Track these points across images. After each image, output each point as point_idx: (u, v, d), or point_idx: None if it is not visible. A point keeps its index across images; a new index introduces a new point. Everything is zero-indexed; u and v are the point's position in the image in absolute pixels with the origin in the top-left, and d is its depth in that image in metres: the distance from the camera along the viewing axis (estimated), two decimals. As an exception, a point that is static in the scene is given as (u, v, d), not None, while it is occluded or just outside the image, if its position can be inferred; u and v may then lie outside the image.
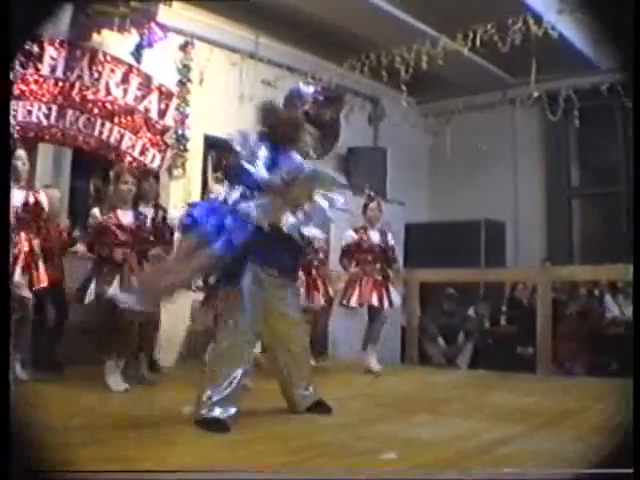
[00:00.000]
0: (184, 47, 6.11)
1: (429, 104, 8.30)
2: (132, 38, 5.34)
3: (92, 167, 5.52)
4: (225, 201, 2.91)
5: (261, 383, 3.60)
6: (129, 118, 5.54)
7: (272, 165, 2.91)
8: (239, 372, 2.81)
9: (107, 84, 5.41)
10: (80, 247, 4.57)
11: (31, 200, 3.94)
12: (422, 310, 6.66)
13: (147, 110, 5.65)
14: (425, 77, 6.65)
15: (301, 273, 4.57)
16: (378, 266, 5.23)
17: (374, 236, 5.27)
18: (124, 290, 3.67)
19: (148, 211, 4.42)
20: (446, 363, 6.62)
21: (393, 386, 4.62)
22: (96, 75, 5.34)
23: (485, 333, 7.00)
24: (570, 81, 6.79)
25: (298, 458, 2.27)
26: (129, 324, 3.86)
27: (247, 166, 2.89)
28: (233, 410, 2.76)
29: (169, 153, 5.86)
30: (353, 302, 5.14)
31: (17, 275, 3.73)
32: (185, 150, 6.00)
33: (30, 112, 5.00)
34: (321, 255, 5.33)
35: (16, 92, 4.82)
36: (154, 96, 5.71)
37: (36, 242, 3.93)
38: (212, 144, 6.09)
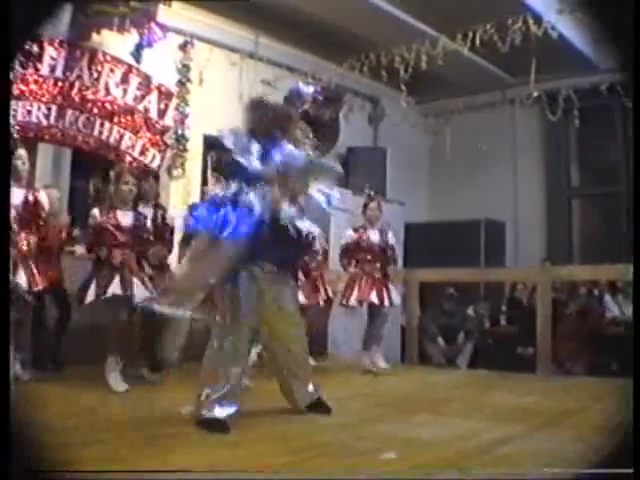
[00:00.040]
0: (184, 47, 6.12)
1: (429, 104, 8.30)
2: (132, 38, 5.35)
3: (92, 167, 5.51)
4: (224, 197, 2.92)
5: (261, 383, 3.60)
6: (129, 118, 5.54)
7: (265, 158, 2.90)
8: (237, 370, 2.81)
9: (107, 84, 5.42)
10: (79, 248, 4.57)
11: (31, 199, 3.93)
12: (422, 310, 6.65)
13: (147, 110, 5.66)
14: (425, 77, 6.65)
15: (300, 273, 4.57)
16: (378, 265, 5.22)
17: (374, 236, 5.26)
18: (153, 299, 3.59)
19: (148, 211, 4.41)
20: (446, 363, 6.61)
21: (393, 386, 4.61)
22: (96, 75, 5.34)
23: (485, 333, 7.00)
24: (570, 81, 6.80)
25: (298, 458, 2.27)
26: (131, 324, 3.85)
27: (241, 160, 2.89)
28: (233, 409, 2.75)
29: (169, 153, 5.87)
30: (352, 301, 5.12)
31: (17, 275, 3.72)
32: (185, 150, 6.01)
33: (30, 112, 5.01)
34: (320, 256, 5.33)
35: (16, 92, 4.82)
36: (154, 96, 5.72)
37: (36, 241, 3.93)
38: (212, 144, 6.06)
